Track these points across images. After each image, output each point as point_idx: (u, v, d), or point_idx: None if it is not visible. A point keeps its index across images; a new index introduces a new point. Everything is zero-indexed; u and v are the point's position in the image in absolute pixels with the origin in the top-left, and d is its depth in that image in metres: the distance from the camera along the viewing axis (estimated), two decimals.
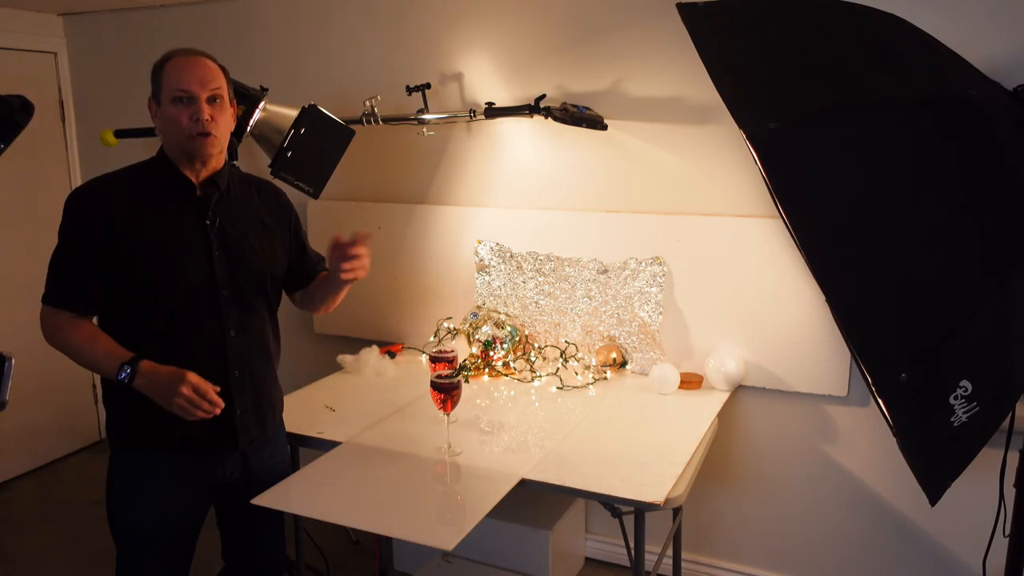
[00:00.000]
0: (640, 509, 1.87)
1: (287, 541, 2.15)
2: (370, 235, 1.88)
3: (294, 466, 2.32)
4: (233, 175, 1.88)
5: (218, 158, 1.79)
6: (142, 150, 3.46)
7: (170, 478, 1.79)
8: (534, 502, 2.63)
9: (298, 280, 2.06)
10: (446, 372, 2.05)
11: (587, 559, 2.94)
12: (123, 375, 1.67)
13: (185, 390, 1.65)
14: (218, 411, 1.70)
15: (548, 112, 2.58)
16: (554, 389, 2.54)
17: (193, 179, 1.77)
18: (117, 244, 1.69)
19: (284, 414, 2.05)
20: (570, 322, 2.78)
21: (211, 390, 1.68)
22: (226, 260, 1.79)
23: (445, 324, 2.91)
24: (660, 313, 2.64)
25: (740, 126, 1.38)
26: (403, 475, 1.95)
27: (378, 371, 2.69)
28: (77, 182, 3.83)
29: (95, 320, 1.78)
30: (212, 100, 1.73)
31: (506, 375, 2.66)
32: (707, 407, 2.38)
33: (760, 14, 1.66)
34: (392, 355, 2.86)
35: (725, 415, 2.58)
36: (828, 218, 1.41)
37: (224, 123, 1.77)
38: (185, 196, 1.77)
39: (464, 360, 2.69)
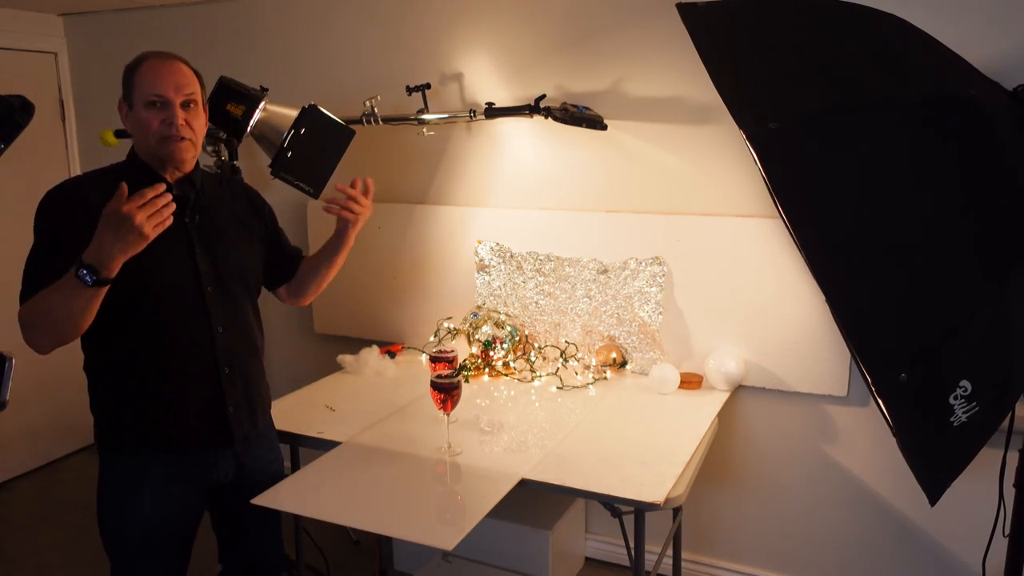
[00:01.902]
0: (640, 509, 1.87)
1: (287, 541, 2.15)
2: (370, 187, 2.02)
3: (294, 466, 2.32)
4: (204, 175, 1.87)
5: (192, 161, 1.79)
6: None
7: (165, 481, 1.78)
8: (534, 502, 2.63)
9: (280, 273, 2.08)
10: (446, 372, 2.05)
11: (587, 559, 2.94)
12: (82, 272, 1.51)
13: (126, 208, 1.47)
14: (171, 202, 1.54)
15: (548, 112, 2.58)
16: (554, 389, 2.54)
17: (168, 179, 1.76)
18: None
19: (284, 414, 2.05)
20: (570, 322, 2.78)
21: (148, 192, 1.50)
22: (208, 256, 1.79)
23: (445, 324, 2.91)
24: (660, 313, 2.64)
25: (740, 126, 1.38)
26: (403, 475, 1.95)
27: (378, 371, 2.69)
28: None
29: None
30: (186, 105, 1.72)
31: (506, 375, 2.66)
32: (707, 407, 2.38)
33: (760, 14, 1.66)
34: (392, 355, 2.86)
35: (725, 415, 2.58)
36: (828, 218, 1.41)
37: (199, 128, 1.76)
38: None
39: (464, 360, 2.69)
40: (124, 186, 1.50)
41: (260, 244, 1.97)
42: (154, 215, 1.51)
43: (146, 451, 1.77)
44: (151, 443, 1.76)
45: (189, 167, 1.78)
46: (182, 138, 1.71)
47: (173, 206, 1.56)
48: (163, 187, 1.54)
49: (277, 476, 1.95)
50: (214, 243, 1.81)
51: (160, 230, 1.54)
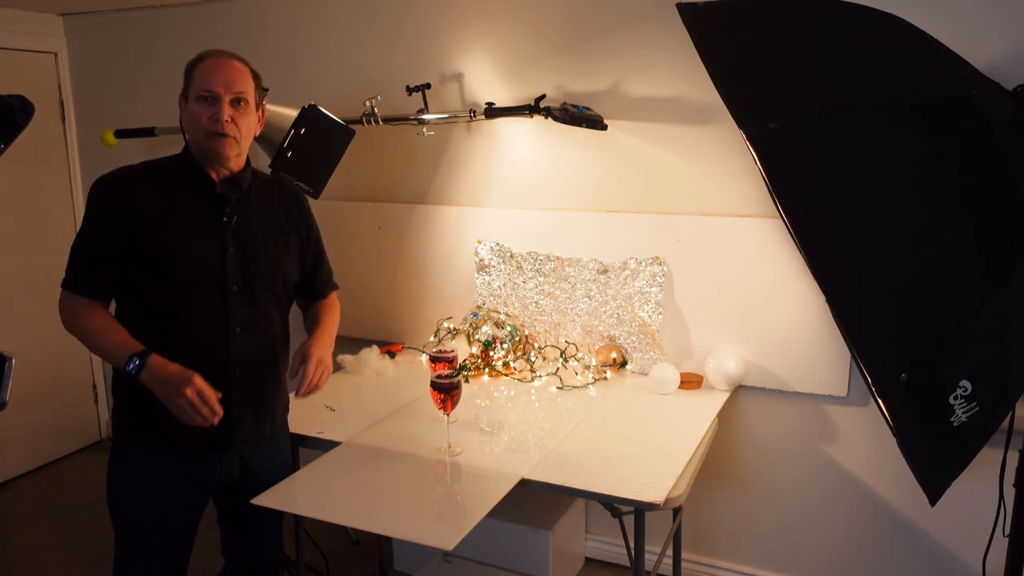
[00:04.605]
0: (640, 509, 1.87)
1: (287, 541, 2.15)
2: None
3: (294, 466, 2.32)
4: (257, 177, 1.90)
5: (237, 160, 1.81)
6: (142, 150, 3.47)
7: (165, 468, 1.80)
8: (534, 502, 2.63)
9: (304, 291, 2.05)
10: (446, 372, 2.05)
11: (587, 559, 2.94)
12: (131, 366, 1.67)
13: (189, 392, 1.65)
14: (216, 420, 1.69)
15: (548, 112, 2.58)
16: (554, 389, 2.54)
17: (214, 177, 1.80)
18: (133, 234, 1.73)
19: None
20: (570, 322, 2.78)
21: (214, 397, 1.68)
22: (239, 258, 1.80)
23: (445, 324, 2.91)
24: (660, 313, 2.64)
25: (740, 126, 1.38)
26: (403, 475, 1.95)
27: (378, 371, 2.69)
28: (77, 182, 3.83)
29: (113, 305, 1.81)
30: (236, 103, 1.76)
31: (506, 375, 2.66)
32: (707, 407, 2.38)
33: (760, 14, 1.66)
34: (392, 355, 2.86)
35: (725, 415, 2.59)
36: (828, 218, 1.41)
37: (246, 126, 1.79)
38: (205, 192, 1.80)
39: (464, 360, 2.69)
40: (212, 393, 1.69)
41: (298, 255, 1.96)
42: (191, 410, 1.66)
43: (149, 440, 1.79)
44: (155, 432, 1.78)
45: (235, 165, 1.81)
46: (225, 135, 1.74)
47: (215, 420, 1.69)
48: (221, 413, 1.70)
49: (284, 477, 1.95)
50: (249, 245, 1.82)
51: (179, 416, 1.68)
